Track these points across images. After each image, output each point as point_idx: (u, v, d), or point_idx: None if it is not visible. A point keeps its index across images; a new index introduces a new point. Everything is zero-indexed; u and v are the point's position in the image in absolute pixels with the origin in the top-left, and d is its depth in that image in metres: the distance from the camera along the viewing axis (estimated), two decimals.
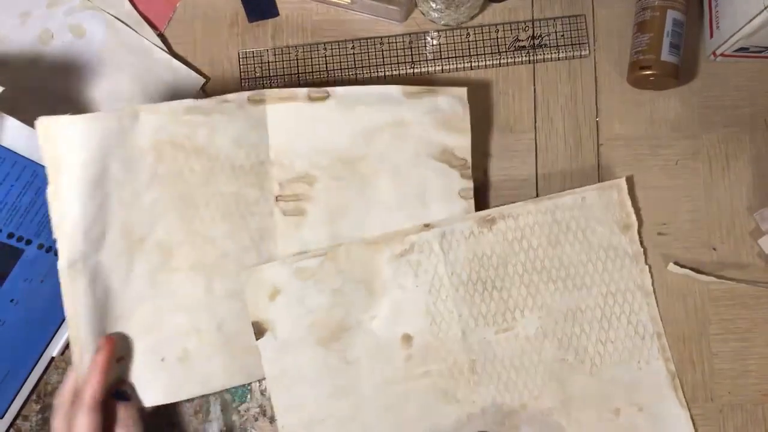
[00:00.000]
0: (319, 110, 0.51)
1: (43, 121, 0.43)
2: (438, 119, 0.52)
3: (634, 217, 0.54)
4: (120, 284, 0.48)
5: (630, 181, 0.55)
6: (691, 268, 0.53)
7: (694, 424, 0.52)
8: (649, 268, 0.53)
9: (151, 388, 0.49)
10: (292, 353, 0.51)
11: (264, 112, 0.50)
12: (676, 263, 0.54)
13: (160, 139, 0.48)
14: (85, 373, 0.46)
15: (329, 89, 0.51)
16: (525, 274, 0.53)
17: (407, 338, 0.52)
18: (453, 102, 0.52)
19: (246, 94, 0.50)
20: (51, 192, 0.44)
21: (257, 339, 0.50)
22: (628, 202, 0.54)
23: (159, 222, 0.49)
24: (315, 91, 0.51)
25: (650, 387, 0.52)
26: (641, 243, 0.54)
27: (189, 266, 0.49)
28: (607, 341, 0.52)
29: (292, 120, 0.51)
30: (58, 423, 0.45)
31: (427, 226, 0.52)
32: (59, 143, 0.44)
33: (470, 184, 0.53)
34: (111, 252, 0.47)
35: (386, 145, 0.52)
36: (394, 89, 0.52)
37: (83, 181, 0.45)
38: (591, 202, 0.53)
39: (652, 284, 0.53)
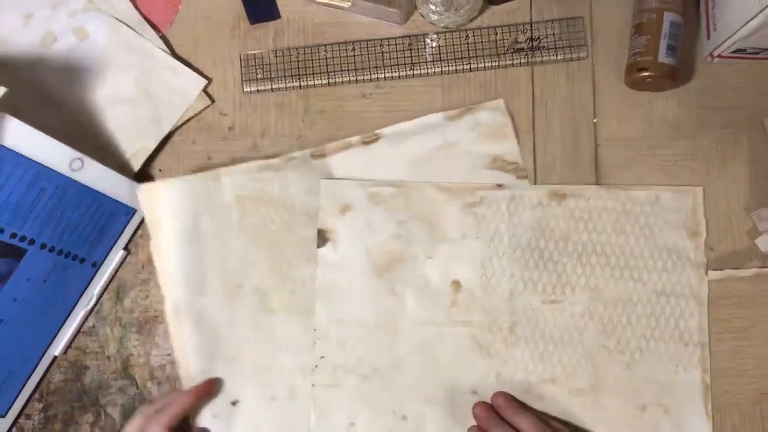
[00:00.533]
0: (373, 151, 0.56)
1: (143, 187, 0.53)
2: (482, 132, 0.56)
3: (704, 227, 0.54)
4: (226, 328, 0.52)
5: (704, 193, 0.55)
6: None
7: None
8: (708, 278, 0.54)
9: (266, 427, 0.52)
10: (345, 270, 0.54)
11: (327, 163, 0.55)
12: (714, 269, 0.54)
13: (240, 194, 0.54)
14: (177, 395, 0.49)
15: (378, 131, 0.56)
16: (584, 253, 0.54)
17: (456, 285, 0.54)
18: (492, 114, 0.56)
19: (308, 151, 0.56)
20: (153, 246, 0.53)
21: (318, 247, 0.54)
22: (701, 211, 0.55)
23: (252, 269, 0.53)
24: (366, 136, 0.56)
25: (682, 393, 0.52)
26: (705, 254, 0.54)
27: (285, 308, 0.53)
28: (650, 339, 0.53)
29: (353, 164, 0.56)
30: (133, 425, 0.47)
31: (499, 186, 0.54)
32: (157, 204, 0.53)
33: (526, 183, 0.55)
34: (213, 298, 0.53)
35: (440, 167, 0.55)
36: (435, 117, 0.56)
37: (179, 235, 0.52)
38: (665, 202, 0.55)
39: (708, 296, 0.54)
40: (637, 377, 0.52)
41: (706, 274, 0.54)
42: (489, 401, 0.52)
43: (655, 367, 0.53)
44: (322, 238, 0.54)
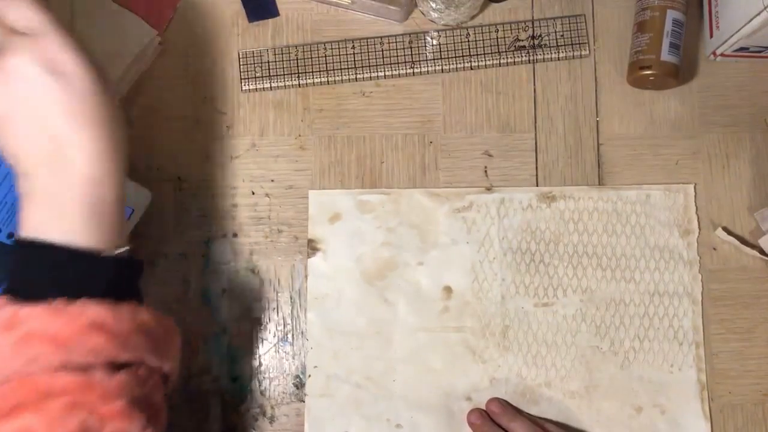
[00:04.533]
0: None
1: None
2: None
3: (696, 224, 0.54)
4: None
5: (696, 189, 0.55)
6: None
7: None
8: (702, 277, 0.53)
9: None
10: (336, 279, 0.54)
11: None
12: (725, 228, 0.54)
13: None
14: None
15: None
16: (575, 255, 0.54)
17: (448, 290, 0.54)
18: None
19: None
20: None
21: (308, 257, 0.54)
22: (693, 209, 0.54)
23: None
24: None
25: (678, 393, 0.52)
26: (698, 251, 0.54)
27: None
28: (644, 339, 0.53)
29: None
30: None
31: (488, 189, 0.54)
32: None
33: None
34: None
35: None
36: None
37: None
38: (655, 200, 0.54)
39: (702, 293, 0.53)
40: (631, 378, 0.52)
41: (700, 272, 0.54)
42: (483, 407, 0.52)
43: (650, 367, 0.52)
44: (312, 248, 0.54)
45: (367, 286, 0.54)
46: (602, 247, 0.54)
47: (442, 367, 0.53)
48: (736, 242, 0.53)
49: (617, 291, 0.53)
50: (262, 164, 0.56)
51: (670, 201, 0.55)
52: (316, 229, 0.55)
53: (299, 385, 0.53)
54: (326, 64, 0.56)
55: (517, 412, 0.51)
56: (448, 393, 0.52)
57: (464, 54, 0.57)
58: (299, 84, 0.56)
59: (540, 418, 0.52)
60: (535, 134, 0.56)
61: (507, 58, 0.56)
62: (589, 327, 0.53)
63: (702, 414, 0.52)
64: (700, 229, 0.54)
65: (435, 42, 0.57)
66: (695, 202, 0.55)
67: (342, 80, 0.57)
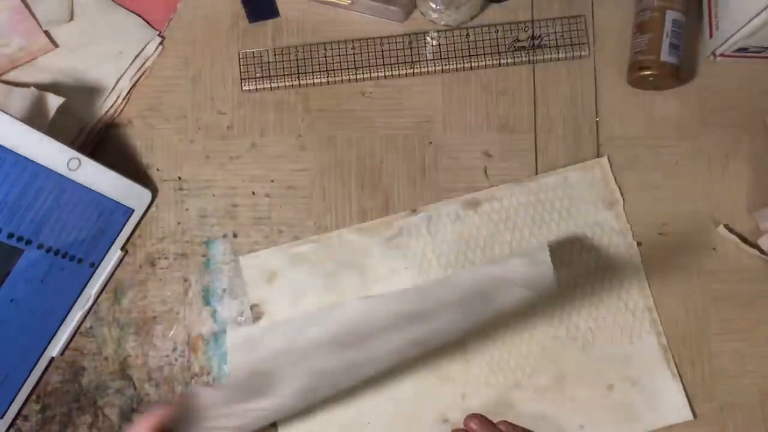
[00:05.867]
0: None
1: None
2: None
3: (618, 194, 0.55)
4: None
5: (610, 161, 0.55)
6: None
7: (687, 395, 0.52)
8: (638, 244, 0.54)
9: None
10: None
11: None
12: (726, 226, 0.54)
13: None
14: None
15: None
16: (512, 253, 0.54)
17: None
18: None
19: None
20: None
21: (254, 321, 0.53)
22: (612, 179, 0.55)
23: None
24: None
25: (643, 361, 0.52)
26: (627, 219, 0.54)
27: None
28: (598, 317, 0.53)
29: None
30: None
31: (414, 211, 0.54)
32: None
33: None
34: None
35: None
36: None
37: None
38: (574, 181, 0.55)
39: (641, 259, 0.54)
40: (595, 359, 0.52)
41: (633, 238, 0.54)
42: (462, 425, 0.51)
43: (611, 343, 0.53)
44: (256, 312, 0.53)
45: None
46: (536, 238, 0.54)
47: (413, 395, 0.52)
48: (737, 239, 0.54)
49: (561, 278, 0.53)
50: (262, 164, 0.56)
51: (588, 178, 0.55)
52: (256, 292, 0.54)
53: None
54: (326, 64, 0.56)
55: (494, 425, 0.51)
56: (424, 419, 0.52)
57: (464, 54, 0.57)
58: (299, 84, 0.57)
59: (515, 426, 0.51)
60: (535, 134, 0.56)
61: (507, 58, 0.56)
62: (542, 319, 0.53)
63: (671, 375, 0.52)
64: (623, 197, 0.54)
65: (435, 42, 0.57)
66: (612, 172, 0.55)
67: (342, 80, 0.57)
